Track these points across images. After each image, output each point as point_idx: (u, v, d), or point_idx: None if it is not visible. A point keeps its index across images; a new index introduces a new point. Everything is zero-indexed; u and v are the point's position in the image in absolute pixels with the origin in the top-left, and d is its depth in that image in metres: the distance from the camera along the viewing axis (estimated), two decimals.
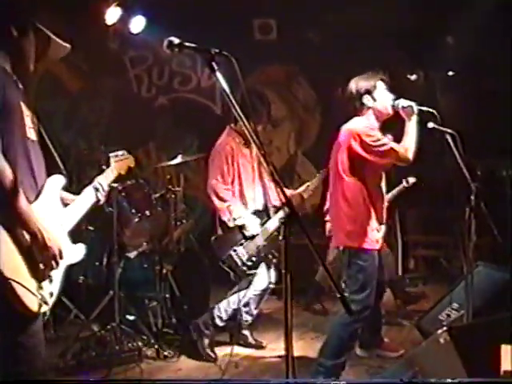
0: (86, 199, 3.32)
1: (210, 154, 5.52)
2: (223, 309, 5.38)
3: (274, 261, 5.46)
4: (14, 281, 2.60)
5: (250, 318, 5.68)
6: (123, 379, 4.77)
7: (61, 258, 2.84)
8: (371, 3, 7.64)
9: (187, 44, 2.59)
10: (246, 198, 5.42)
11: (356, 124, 4.63)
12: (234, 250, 5.17)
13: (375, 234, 4.56)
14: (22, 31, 2.89)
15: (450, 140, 4.53)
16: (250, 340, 5.73)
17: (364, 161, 4.47)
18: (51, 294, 2.86)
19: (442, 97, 9.21)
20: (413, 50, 8.45)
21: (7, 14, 2.89)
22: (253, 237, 5.25)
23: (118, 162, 3.81)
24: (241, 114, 2.43)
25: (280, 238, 2.39)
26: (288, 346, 2.39)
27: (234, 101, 2.44)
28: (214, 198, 5.29)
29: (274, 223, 5.36)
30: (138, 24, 7.36)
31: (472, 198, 4.45)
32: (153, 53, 8.63)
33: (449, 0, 7.48)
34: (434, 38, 8.26)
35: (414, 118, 4.51)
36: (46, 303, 2.78)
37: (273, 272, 5.59)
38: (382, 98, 4.65)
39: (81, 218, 3.26)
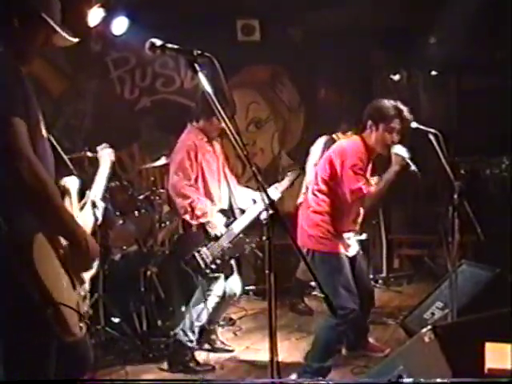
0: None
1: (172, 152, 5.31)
2: (189, 331, 5.11)
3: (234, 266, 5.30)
4: (63, 304, 2.44)
5: (214, 327, 5.64)
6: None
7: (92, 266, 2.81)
8: (355, 3, 7.66)
9: (169, 45, 2.59)
10: (212, 196, 5.18)
11: (351, 147, 4.66)
12: (198, 251, 4.93)
13: (344, 241, 4.69)
14: (26, 22, 2.68)
15: (433, 140, 4.56)
16: (218, 345, 5.63)
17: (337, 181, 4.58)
18: (87, 314, 2.78)
19: (425, 96, 9.25)
20: (396, 49, 8.48)
21: (12, 4, 2.69)
22: (217, 237, 5.02)
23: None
24: (223, 114, 2.43)
25: (257, 238, 2.39)
26: (273, 347, 2.39)
27: (216, 102, 2.44)
28: (175, 196, 5.04)
29: (239, 225, 5.16)
30: (120, 25, 7.33)
31: (455, 196, 4.46)
32: (135, 54, 8.59)
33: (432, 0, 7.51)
34: (417, 37, 8.29)
35: (397, 168, 4.48)
36: (87, 323, 2.67)
37: (236, 278, 5.43)
38: (388, 136, 4.61)
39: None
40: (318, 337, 4.74)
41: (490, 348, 2.80)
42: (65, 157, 3.10)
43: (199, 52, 2.55)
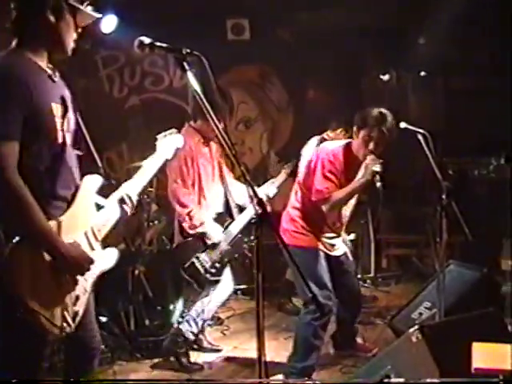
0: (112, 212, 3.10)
1: None
2: (193, 322, 5.14)
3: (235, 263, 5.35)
4: (37, 312, 2.53)
5: (208, 327, 5.67)
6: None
7: (88, 269, 2.77)
8: (344, 4, 7.68)
9: (158, 44, 2.59)
10: (207, 200, 5.14)
11: (332, 149, 4.66)
12: (197, 257, 4.96)
13: (323, 239, 4.72)
14: (59, 14, 2.72)
15: (421, 140, 4.57)
16: (205, 344, 5.60)
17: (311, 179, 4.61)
18: (76, 314, 2.77)
19: (414, 97, 9.27)
20: (385, 50, 8.50)
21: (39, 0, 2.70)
22: (215, 245, 5.02)
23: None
24: (212, 114, 2.43)
25: (252, 238, 2.38)
26: (260, 347, 2.39)
27: (205, 101, 2.44)
28: (174, 203, 5.02)
29: (237, 225, 5.15)
30: (109, 23, 7.30)
31: (443, 197, 4.48)
32: (125, 53, 8.58)
33: (421, 1, 7.54)
34: (406, 38, 8.31)
35: (363, 181, 4.48)
36: (67, 326, 2.70)
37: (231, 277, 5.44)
38: (365, 144, 4.53)
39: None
40: (295, 335, 4.79)
41: (477, 348, 2.81)
42: (95, 155, 3.11)
43: (188, 51, 2.55)
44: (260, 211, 2.35)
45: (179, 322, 5.17)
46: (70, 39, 2.81)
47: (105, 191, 3.07)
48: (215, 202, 5.25)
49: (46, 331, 2.60)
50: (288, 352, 4.82)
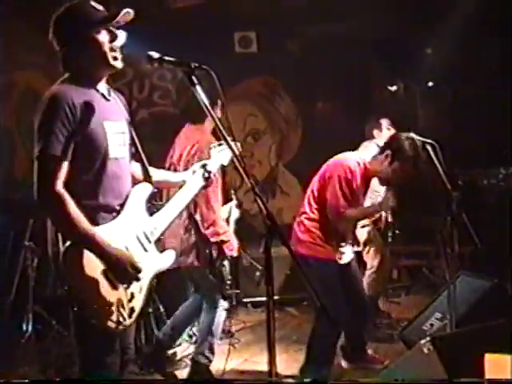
0: (191, 188, 3.48)
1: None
2: (217, 334, 5.01)
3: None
4: (90, 305, 2.72)
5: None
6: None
7: (137, 279, 2.90)
8: (351, 16, 7.69)
9: (167, 58, 2.61)
10: (220, 214, 4.94)
11: (350, 167, 4.63)
12: (223, 265, 4.84)
13: (337, 248, 4.72)
14: (98, 39, 2.93)
15: (430, 150, 4.57)
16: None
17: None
18: (132, 310, 2.91)
19: (423, 107, 9.27)
20: (393, 61, 8.50)
21: (79, 31, 2.91)
22: (232, 257, 4.92)
23: (219, 152, 3.94)
24: (220, 126, 2.43)
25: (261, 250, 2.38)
26: (271, 360, 2.38)
27: (214, 114, 2.45)
28: (204, 207, 4.68)
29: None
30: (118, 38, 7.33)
31: (453, 207, 4.47)
32: (133, 67, 8.62)
33: (427, 12, 7.55)
34: (414, 49, 8.32)
35: (378, 210, 4.52)
36: (123, 321, 2.85)
37: None
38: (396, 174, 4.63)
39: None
40: (308, 347, 4.81)
41: (490, 359, 2.80)
42: (147, 165, 3.24)
43: (196, 65, 2.57)
44: (270, 224, 2.36)
45: (193, 358, 5.02)
46: (113, 55, 2.99)
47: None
48: (224, 214, 5.26)
49: (103, 325, 2.77)
50: (299, 364, 4.81)
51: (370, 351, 5.40)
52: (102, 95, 2.98)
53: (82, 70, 2.94)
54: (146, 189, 3.18)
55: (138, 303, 2.96)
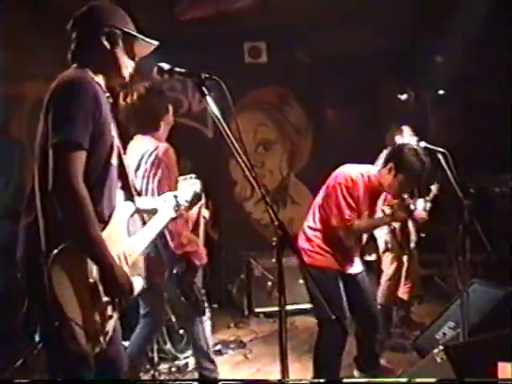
0: (163, 217, 3.33)
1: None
2: (209, 344, 4.77)
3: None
4: (75, 322, 2.58)
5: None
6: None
7: (131, 293, 2.83)
8: (362, 24, 7.70)
9: (177, 69, 2.62)
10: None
11: (352, 177, 4.63)
12: (193, 278, 4.43)
13: (340, 258, 4.68)
14: (114, 41, 2.89)
15: (441, 159, 4.56)
16: None
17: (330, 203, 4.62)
18: (107, 333, 2.81)
19: (433, 115, 9.25)
20: (403, 69, 8.50)
21: (96, 27, 2.87)
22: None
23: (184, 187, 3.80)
24: (231, 137, 2.44)
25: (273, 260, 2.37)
26: (284, 369, 2.38)
27: (224, 124, 2.45)
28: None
29: None
30: None
31: (465, 215, 4.46)
32: (144, 78, 8.67)
33: (438, 20, 7.55)
34: (423, 57, 8.32)
35: (387, 222, 4.54)
36: (100, 344, 2.74)
37: None
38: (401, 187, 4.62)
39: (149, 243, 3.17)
40: (313, 356, 4.84)
41: (503, 367, 2.78)
42: (131, 182, 3.09)
43: (207, 75, 2.58)
44: (281, 234, 2.36)
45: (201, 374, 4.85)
46: (126, 65, 2.95)
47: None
48: None
49: (79, 345, 2.62)
50: (311, 374, 4.80)
51: (382, 361, 5.38)
52: (107, 98, 2.90)
53: (94, 64, 2.85)
54: (129, 208, 3.03)
55: (111, 327, 2.84)
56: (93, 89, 2.69)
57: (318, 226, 4.70)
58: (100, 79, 2.87)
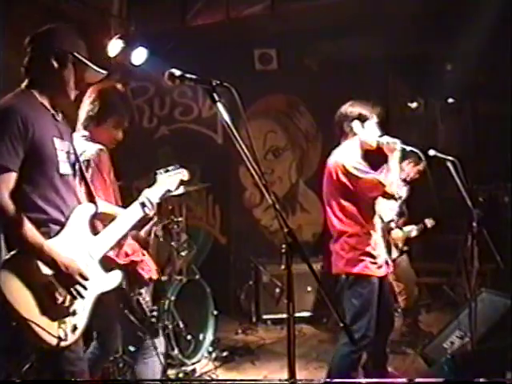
0: (131, 215, 3.46)
1: None
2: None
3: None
4: (29, 320, 2.72)
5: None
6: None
7: (84, 288, 2.93)
8: (371, 32, 7.70)
9: (188, 76, 2.63)
10: None
11: (342, 155, 4.66)
12: (140, 293, 4.01)
13: (373, 260, 4.54)
14: (63, 62, 3.05)
15: (451, 167, 4.55)
16: None
17: (352, 192, 4.52)
18: (74, 327, 2.92)
19: (443, 124, 9.25)
20: (413, 77, 8.51)
21: (47, 48, 3.05)
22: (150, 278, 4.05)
23: (167, 178, 3.91)
24: (241, 143, 2.44)
25: (282, 267, 2.37)
26: (291, 377, 2.38)
27: (235, 131, 2.46)
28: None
29: None
30: (139, 56, 7.42)
31: (474, 224, 4.45)
32: (154, 84, 8.70)
33: (448, 27, 7.55)
34: (433, 65, 8.32)
35: (397, 155, 4.52)
36: (64, 338, 2.86)
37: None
38: (370, 130, 4.71)
39: (122, 236, 3.36)
40: (332, 365, 4.67)
41: (511, 377, 2.78)
42: (91, 187, 3.30)
43: (217, 82, 2.59)
44: (290, 241, 2.36)
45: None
46: (73, 87, 3.13)
47: None
48: None
49: (41, 341, 2.77)
50: (319, 382, 4.79)
51: (390, 368, 5.37)
52: (52, 115, 3.08)
53: (41, 81, 3.06)
54: (89, 209, 3.19)
55: (81, 321, 2.98)
56: (20, 114, 2.85)
57: (349, 227, 4.56)
58: (44, 99, 3.05)
